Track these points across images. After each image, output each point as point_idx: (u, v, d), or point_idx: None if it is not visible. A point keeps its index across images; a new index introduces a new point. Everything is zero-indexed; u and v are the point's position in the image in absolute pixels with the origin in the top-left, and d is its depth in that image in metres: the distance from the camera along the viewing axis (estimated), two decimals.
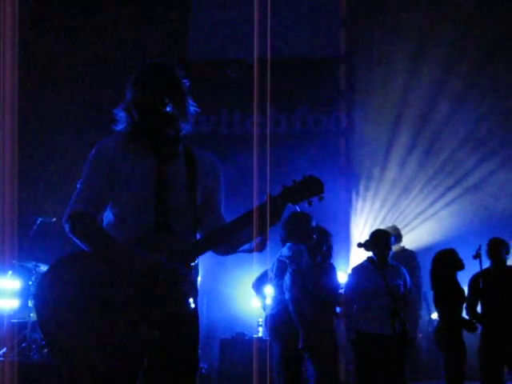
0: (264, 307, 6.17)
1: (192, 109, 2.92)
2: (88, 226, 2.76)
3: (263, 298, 6.23)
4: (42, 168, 9.02)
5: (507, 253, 6.30)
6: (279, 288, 5.62)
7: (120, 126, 2.91)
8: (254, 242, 2.87)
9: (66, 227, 2.78)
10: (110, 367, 2.62)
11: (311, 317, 5.42)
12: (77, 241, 2.76)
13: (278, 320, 5.55)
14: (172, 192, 2.80)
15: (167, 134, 2.82)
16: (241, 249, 2.94)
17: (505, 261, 6.28)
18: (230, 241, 2.86)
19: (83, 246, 2.75)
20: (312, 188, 2.85)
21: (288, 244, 5.63)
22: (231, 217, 2.87)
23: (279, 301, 5.59)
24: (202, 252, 2.79)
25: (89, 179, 2.82)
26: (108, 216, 2.87)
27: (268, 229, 2.81)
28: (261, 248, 2.89)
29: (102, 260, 2.68)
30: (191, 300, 2.82)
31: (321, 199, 2.87)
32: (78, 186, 2.84)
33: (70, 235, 2.77)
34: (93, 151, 2.87)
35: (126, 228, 2.79)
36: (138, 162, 2.83)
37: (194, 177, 2.88)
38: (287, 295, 5.49)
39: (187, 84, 2.92)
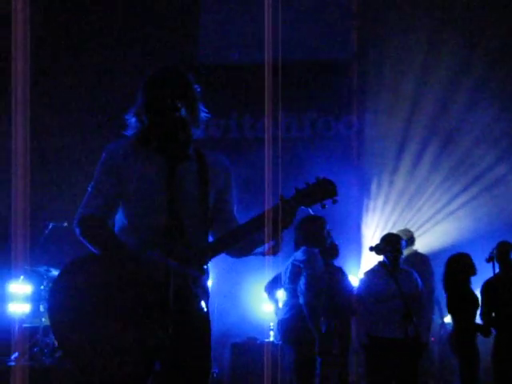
0: (276, 312, 6.15)
1: (203, 114, 2.92)
2: (98, 230, 2.77)
3: (275, 302, 6.21)
4: (54, 173, 9.03)
5: None
6: (292, 292, 5.60)
7: (130, 132, 2.91)
8: (267, 245, 2.85)
9: (77, 231, 2.79)
10: (122, 371, 2.62)
11: (326, 321, 5.41)
12: (87, 244, 2.77)
13: (291, 325, 5.53)
14: (183, 194, 2.80)
15: (178, 138, 2.81)
16: (254, 252, 2.93)
17: None
18: (242, 243, 2.84)
19: (93, 250, 2.75)
20: (325, 191, 2.83)
21: (302, 248, 5.61)
22: (243, 221, 2.86)
23: (292, 305, 5.57)
24: (215, 255, 2.79)
25: (99, 183, 2.82)
26: (120, 220, 2.87)
27: (281, 232, 2.80)
28: (274, 251, 2.88)
29: (113, 263, 2.68)
30: (203, 303, 2.82)
31: (334, 202, 2.84)
32: (89, 189, 2.85)
33: (81, 239, 2.78)
34: (103, 155, 2.87)
35: (138, 231, 2.79)
36: (148, 165, 2.83)
37: (206, 179, 2.87)
38: (301, 300, 5.47)
39: (198, 89, 2.92)
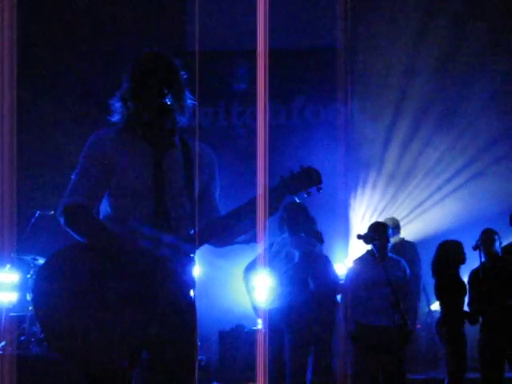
0: (253, 300, 5.96)
1: (189, 102, 2.89)
2: (83, 219, 2.73)
3: (250, 287, 5.98)
4: (41, 161, 8.99)
5: (501, 244, 6.28)
6: (298, 280, 5.60)
7: (116, 117, 2.88)
8: (251, 234, 2.86)
9: (61, 220, 2.75)
10: (107, 360, 2.61)
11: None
12: (72, 233, 2.74)
13: (294, 312, 5.53)
14: (169, 183, 2.78)
15: (164, 125, 2.79)
16: (236, 240, 2.93)
17: (498, 252, 6.25)
18: (228, 231, 2.84)
19: (79, 239, 2.73)
20: (310, 179, 2.86)
21: (300, 235, 5.65)
22: (229, 209, 2.85)
23: (290, 292, 5.57)
24: (202, 243, 2.77)
25: (83, 170, 2.78)
26: (104, 209, 2.84)
27: (266, 220, 2.80)
28: (257, 239, 2.88)
29: (98, 252, 2.66)
30: (191, 292, 2.82)
31: (319, 190, 2.88)
32: (73, 177, 2.81)
33: (66, 228, 2.75)
34: (87, 143, 2.83)
35: (124, 220, 2.76)
36: (134, 153, 2.80)
37: (191, 168, 2.86)
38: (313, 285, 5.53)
39: (185, 76, 2.89)
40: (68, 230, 2.74)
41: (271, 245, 5.73)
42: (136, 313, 2.61)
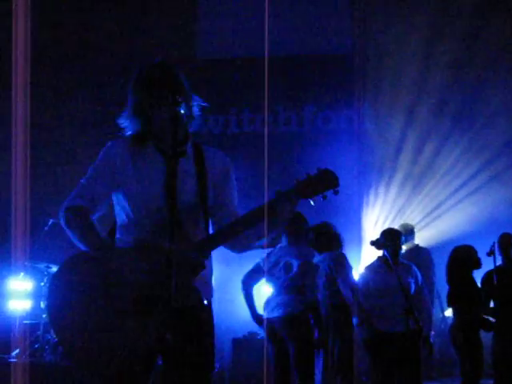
0: (254, 308, 5.95)
1: (197, 107, 2.88)
2: (78, 219, 2.75)
3: (250, 295, 5.96)
4: (54, 169, 9.03)
5: None
6: (287, 289, 5.63)
7: (127, 132, 2.89)
8: (267, 239, 2.82)
9: (61, 220, 2.79)
10: (122, 368, 2.62)
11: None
12: (69, 233, 2.76)
13: (300, 320, 5.56)
14: (181, 192, 2.76)
15: (177, 135, 2.77)
16: (254, 245, 2.89)
17: None
18: (241, 237, 2.81)
19: (74, 239, 2.74)
20: (327, 181, 2.77)
21: (299, 245, 5.69)
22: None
23: (300, 301, 5.59)
24: (213, 247, 2.76)
25: (90, 178, 2.84)
26: (120, 217, 2.88)
27: (280, 225, 2.77)
28: (273, 244, 2.87)
29: (111, 260, 2.67)
30: (205, 297, 2.82)
31: (336, 193, 2.77)
32: (80, 181, 2.86)
33: (64, 227, 2.78)
34: (101, 154, 2.88)
35: (138, 229, 2.79)
36: (145, 163, 2.83)
37: (204, 175, 2.86)
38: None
39: (187, 82, 2.87)
40: (66, 229, 2.77)
41: (268, 254, 5.75)
42: (145, 318, 2.61)
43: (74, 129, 9.07)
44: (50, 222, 7.74)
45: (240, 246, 2.92)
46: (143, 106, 2.79)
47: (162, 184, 2.79)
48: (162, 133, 2.82)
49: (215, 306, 2.93)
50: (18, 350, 6.91)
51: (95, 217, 2.84)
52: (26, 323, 7.28)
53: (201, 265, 2.69)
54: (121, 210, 2.86)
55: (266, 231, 2.77)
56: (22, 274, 7.38)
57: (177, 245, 2.53)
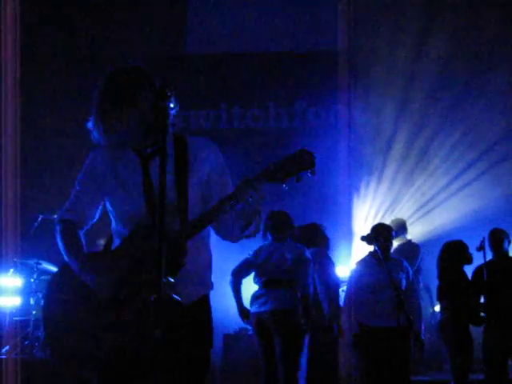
0: (242, 302, 5.97)
1: (171, 104, 2.67)
2: (66, 235, 2.83)
3: (238, 290, 5.99)
4: (44, 165, 8.99)
5: (509, 243, 6.27)
6: (279, 283, 5.65)
7: (103, 141, 2.79)
8: (243, 227, 2.72)
9: (57, 228, 2.87)
10: (113, 367, 2.64)
11: None
12: (58, 242, 2.84)
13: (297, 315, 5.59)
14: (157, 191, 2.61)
15: (148, 132, 2.71)
16: (244, 233, 2.77)
17: (507, 252, 6.25)
18: (222, 224, 2.78)
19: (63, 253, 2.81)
20: (301, 162, 2.58)
21: (288, 241, 5.75)
22: None
23: (289, 295, 5.62)
24: (189, 234, 2.66)
25: (79, 191, 2.89)
26: (112, 222, 2.91)
27: (250, 213, 2.65)
28: (253, 232, 2.79)
29: (110, 261, 2.72)
30: (200, 291, 2.81)
31: (312, 173, 2.60)
32: (72, 193, 2.91)
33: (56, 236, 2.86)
34: (84, 165, 2.91)
35: (122, 233, 2.81)
36: (125, 167, 2.82)
37: (183, 171, 2.78)
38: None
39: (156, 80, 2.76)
40: (57, 238, 2.85)
41: (258, 250, 5.78)
42: (136, 318, 2.61)
43: (64, 125, 9.02)
44: (39, 219, 7.71)
45: (227, 235, 2.85)
46: (112, 112, 2.71)
47: (140, 185, 2.77)
48: (134, 133, 2.74)
49: None
50: (7, 347, 6.89)
51: (87, 227, 2.92)
52: (16, 320, 7.27)
53: (183, 251, 2.65)
54: (110, 214, 2.90)
55: (239, 219, 2.69)
56: (11, 270, 7.35)
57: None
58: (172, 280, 2.58)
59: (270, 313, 5.61)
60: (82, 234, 2.88)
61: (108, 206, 2.87)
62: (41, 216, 7.69)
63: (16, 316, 7.35)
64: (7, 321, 7.18)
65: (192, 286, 2.75)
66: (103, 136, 2.76)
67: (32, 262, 7.40)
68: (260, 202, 2.60)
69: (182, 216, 2.73)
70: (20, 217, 7.51)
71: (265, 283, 5.71)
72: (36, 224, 7.71)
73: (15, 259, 7.43)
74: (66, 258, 2.79)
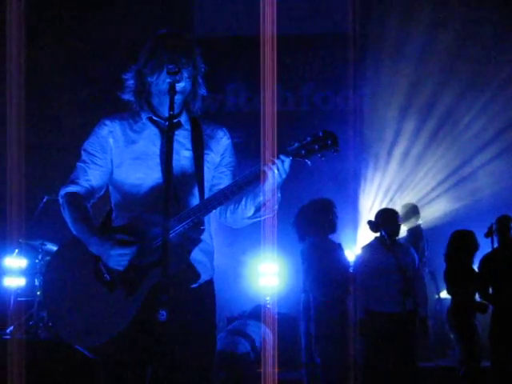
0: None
1: (202, 90, 2.86)
2: (76, 208, 2.74)
3: None
4: (49, 146, 8.97)
5: None
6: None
7: (126, 95, 2.83)
8: (263, 203, 2.72)
9: (60, 201, 2.80)
10: (114, 350, 2.61)
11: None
12: (64, 216, 2.76)
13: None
14: (177, 164, 2.72)
15: (172, 105, 2.65)
16: (250, 213, 2.78)
17: None
18: (236, 205, 2.78)
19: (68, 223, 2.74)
20: (325, 141, 2.65)
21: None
22: None
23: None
24: (206, 211, 2.67)
25: (85, 161, 2.81)
26: (114, 196, 2.84)
27: (273, 187, 2.66)
28: (270, 210, 2.76)
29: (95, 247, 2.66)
30: (205, 275, 2.78)
31: (336, 151, 2.66)
32: (79, 164, 2.84)
33: (61, 209, 2.78)
34: (96, 129, 2.84)
35: (133, 207, 2.74)
36: (140, 138, 2.79)
37: (200, 148, 2.81)
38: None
39: (203, 65, 2.86)
40: (62, 212, 2.78)
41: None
42: (140, 299, 2.59)
43: (70, 106, 9.00)
44: (44, 200, 7.69)
45: (237, 217, 2.83)
46: (146, 69, 2.75)
47: (158, 158, 2.74)
48: (158, 104, 2.78)
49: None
50: (12, 327, 6.90)
51: (94, 200, 2.84)
52: (20, 300, 7.28)
53: (197, 241, 2.66)
54: (115, 189, 2.82)
55: (261, 195, 2.70)
56: (16, 251, 7.36)
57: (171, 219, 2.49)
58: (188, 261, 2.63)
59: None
60: (89, 206, 2.80)
61: (116, 177, 2.79)
62: (46, 197, 7.67)
63: (20, 297, 7.37)
64: (12, 301, 7.19)
65: (196, 271, 2.72)
66: (140, 92, 2.76)
67: (37, 242, 7.39)
68: (283, 177, 2.65)
69: (199, 188, 2.75)
70: (25, 198, 7.49)
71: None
72: (41, 205, 7.70)
73: (20, 240, 7.43)
74: (73, 230, 2.70)
